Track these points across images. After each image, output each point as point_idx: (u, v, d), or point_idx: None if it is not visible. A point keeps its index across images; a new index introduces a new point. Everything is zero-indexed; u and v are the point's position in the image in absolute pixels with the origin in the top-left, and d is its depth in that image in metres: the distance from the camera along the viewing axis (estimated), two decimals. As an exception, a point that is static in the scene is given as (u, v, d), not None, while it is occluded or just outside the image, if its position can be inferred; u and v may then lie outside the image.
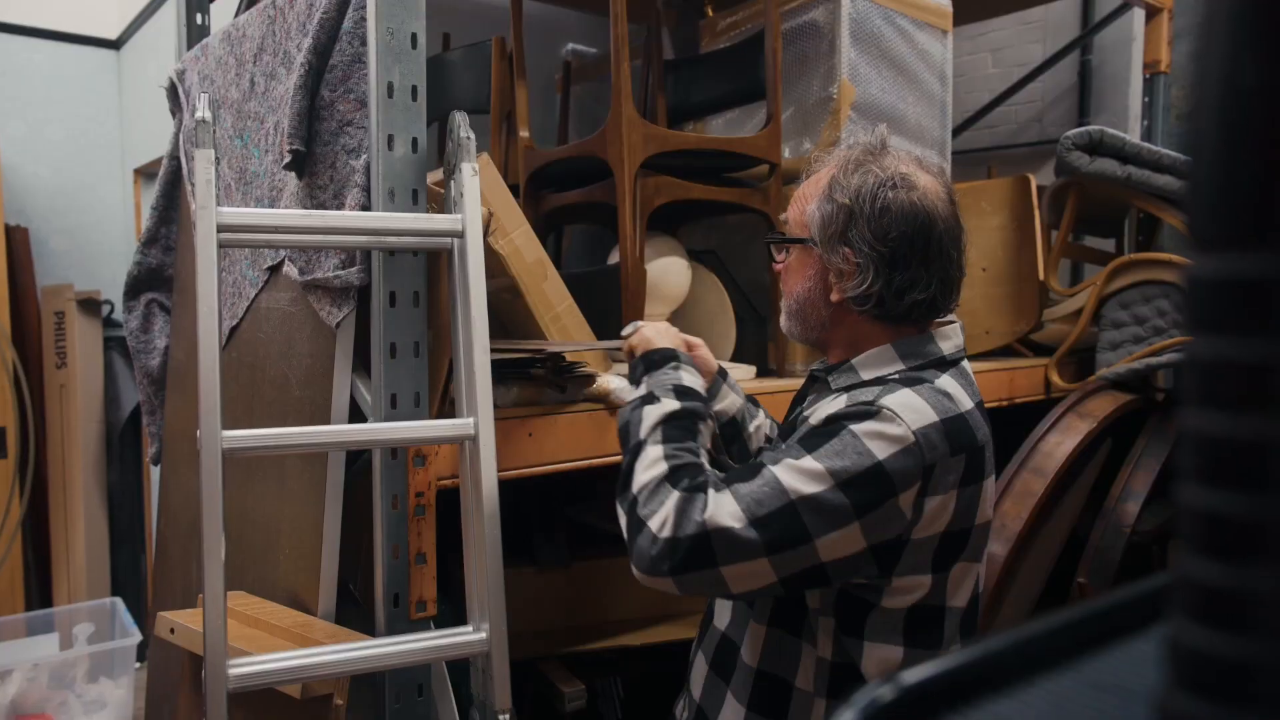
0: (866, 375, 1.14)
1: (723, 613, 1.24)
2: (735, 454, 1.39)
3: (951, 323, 1.19)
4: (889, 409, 1.01)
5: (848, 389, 1.14)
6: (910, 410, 1.02)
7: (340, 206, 1.42)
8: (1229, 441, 0.20)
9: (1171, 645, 0.21)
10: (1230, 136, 0.19)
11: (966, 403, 1.08)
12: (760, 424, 1.40)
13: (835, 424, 1.02)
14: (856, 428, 1.00)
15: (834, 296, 1.15)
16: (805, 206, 1.18)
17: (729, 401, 1.38)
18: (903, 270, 1.10)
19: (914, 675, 0.30)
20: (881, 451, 0.98)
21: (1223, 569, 0.20)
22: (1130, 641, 0.34)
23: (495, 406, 1.34)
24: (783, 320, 1.24)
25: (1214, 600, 0.21)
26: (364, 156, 1.39)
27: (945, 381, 1.10)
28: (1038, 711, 0.30)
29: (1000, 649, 0.32)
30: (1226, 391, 0.20)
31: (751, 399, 1.43)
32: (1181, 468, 0.21)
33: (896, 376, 1.11)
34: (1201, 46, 0.20)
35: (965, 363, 1.17)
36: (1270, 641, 0.20)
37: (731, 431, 1.38)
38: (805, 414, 1.16)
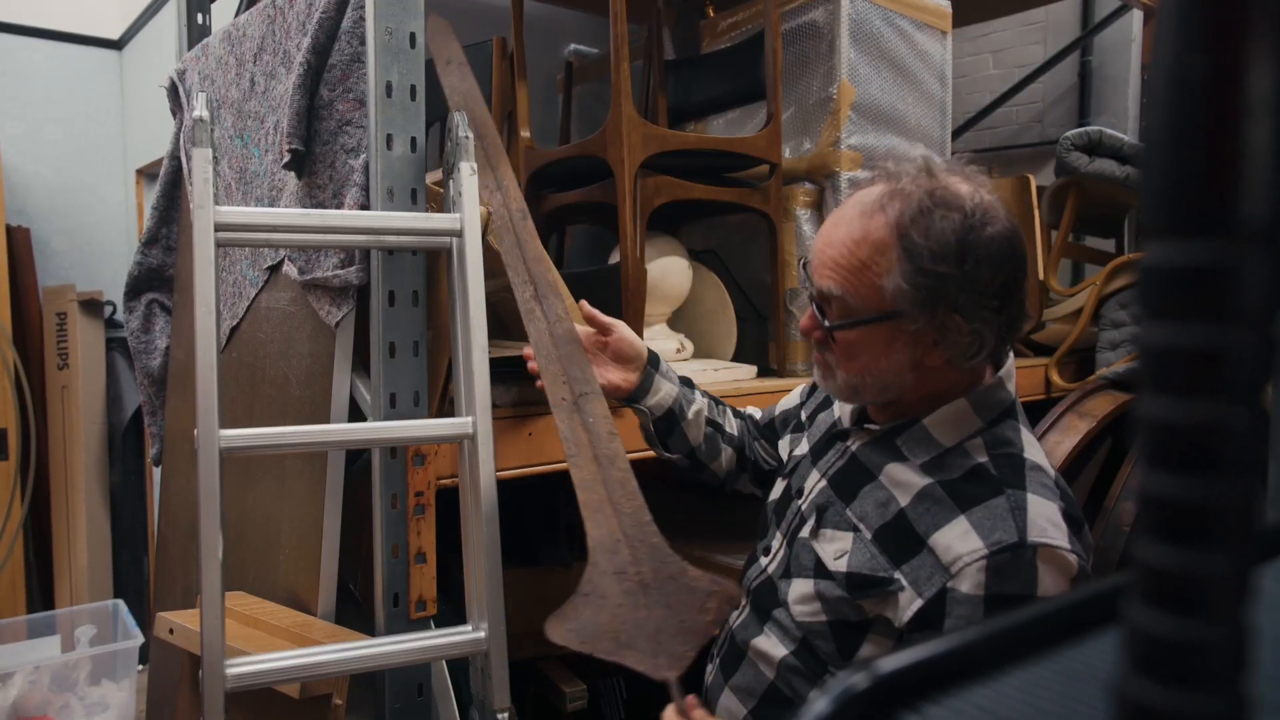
0: (947, 441, 1.03)
1: (767, 665, 1.10)
2: (673, 445, 1.33)
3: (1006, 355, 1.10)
4: (1045, 544, 0.92)
5: (934, 463, 1.02)
6: (1055, 529, 0.93)
7: (339, 206, 1.42)
8: (1178, 426, 0.20)
9: (1127, 630, 0.22)
10: (1178, 128, 0.20)
11: (1049, 464, 1.02)
12: (699, 408, 1.33)
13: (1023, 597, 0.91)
14: (1043, 589, 0.91)
15: (935, 361, 1.01)
16: (875, 280, 0.99)
17: (664, 393, 1.30)
18: (1007, 312, 0.99)
19: (889, 664, 0.30)
20: (1060, 587, 0.92)
21: (1173, 552, 0.21)
22: (1104, 632, 0.34)
23: (495, 406, 1.35)
24: (841, 387, 1.07)
25: (1166, 583, 0.21)
26: (363, 156, 1.39)
27: (1031, 445, 1.02)
28: (1011, 699, 0.30)
29: (976, 640, 0.33)
30: (1175, 377, 0.20)
31: (687, 381, 1.35)
32: (1138, 454, 0.22)
33: (980, 442, 1.02)
34: (1156, 43, 0.20)
35: None
36: (1219, 624, 0.20)
37: (667, 425, 1.31)
38: (866, 463, 1.07)
